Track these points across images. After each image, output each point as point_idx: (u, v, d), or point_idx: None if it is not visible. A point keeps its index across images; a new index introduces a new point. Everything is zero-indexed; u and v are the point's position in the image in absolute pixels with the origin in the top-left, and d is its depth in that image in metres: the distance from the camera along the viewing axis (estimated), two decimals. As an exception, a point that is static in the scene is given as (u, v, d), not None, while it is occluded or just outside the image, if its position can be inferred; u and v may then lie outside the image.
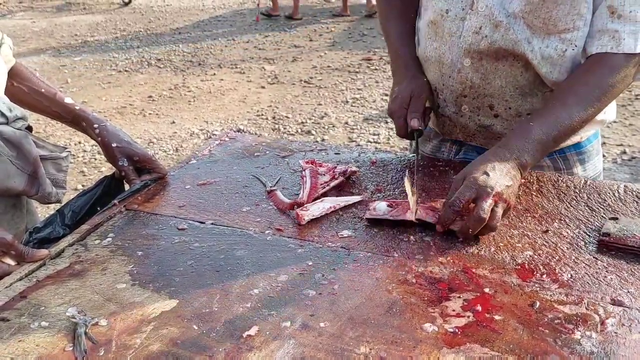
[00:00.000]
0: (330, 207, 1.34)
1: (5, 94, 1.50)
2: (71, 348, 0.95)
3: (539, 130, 1.30)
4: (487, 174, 1.22)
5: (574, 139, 1.52)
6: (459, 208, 1.19)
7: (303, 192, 1.40)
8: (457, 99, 1.53)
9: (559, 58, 1.39)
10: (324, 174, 1.47)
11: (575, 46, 1.38)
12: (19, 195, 1.43)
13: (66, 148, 1.52)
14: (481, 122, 1.54)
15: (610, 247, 1.16)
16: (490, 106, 1.50)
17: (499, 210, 1.20)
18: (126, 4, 10.93)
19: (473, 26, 1.43)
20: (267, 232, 1.28)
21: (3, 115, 1.35)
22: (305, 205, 1.34)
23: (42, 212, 3.55)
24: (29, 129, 1.45)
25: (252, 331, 0.98)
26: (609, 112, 1.55)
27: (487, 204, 1.18)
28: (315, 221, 1.31)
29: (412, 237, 1.24)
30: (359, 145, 4.68)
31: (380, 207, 1.30)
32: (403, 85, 1.54)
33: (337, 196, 1.41)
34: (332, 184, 1.45)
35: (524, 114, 1.48)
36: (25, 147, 1.36)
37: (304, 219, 1.30)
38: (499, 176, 1.22)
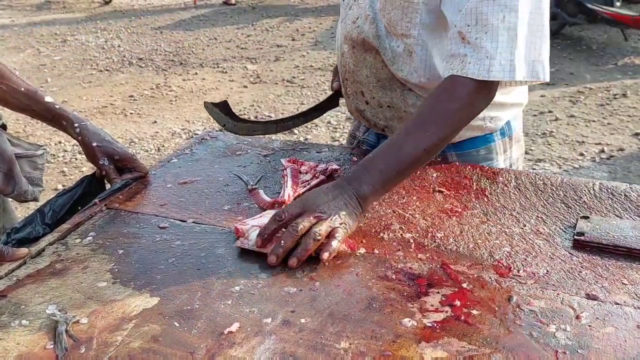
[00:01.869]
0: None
1: (-16, 93, 1.50)
2: (52, 346, 0.96)
3: (380, 163, 1.28)
4: (320, 196, 1.22)
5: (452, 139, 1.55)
6: (280, 219, 1.18)
7: (284, 190, 1.41)
8: (344, 82, 1.67)
9: (407, 57, 1.46)
10: (306, 173, 1.48)
11: (414, 51, 1.44)
12: None
13: (42, 146, 1.52)
14: (358, 106, 1.66)
15: (585, 245, 1.18)
16: (362, 92, 1.61)
17: (323, 227, 1.16)
18: (107, 3, 10.85)
19: (353, 15, 1.54)
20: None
21: None
22: (246, 220, 1.27)
23: (23, 211, 3.52)
24: (4, 127, 1.45)
25: (233, 327, 0.98)
26: (495, 121, 1.56)
27: (306, 220, 1.16)
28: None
29: (392, 234, 1.25)
30: (341, 144, 4.69)
31: (252, 237, 1.21)
32: None
33: None
34: (313, 182, 1.46)
35: (384, 106, 1.58)
36: (0, 146, 1.36)
37: (238, 242, 1.22)
38: (333, 201, 1.21)
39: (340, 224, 1.19)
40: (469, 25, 1.28)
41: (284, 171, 1.48)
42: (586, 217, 1.25)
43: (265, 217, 1.26)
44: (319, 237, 1.15)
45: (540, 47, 1.29)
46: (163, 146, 4.94)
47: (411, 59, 1.45)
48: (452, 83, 1.31)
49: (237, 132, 1.74)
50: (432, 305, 1.03)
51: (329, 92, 1.85)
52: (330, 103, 1.87)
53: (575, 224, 1.24)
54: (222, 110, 1.70)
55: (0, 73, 1.50)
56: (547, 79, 1.32)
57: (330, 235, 1.17)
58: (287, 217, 1.18)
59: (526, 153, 4.42)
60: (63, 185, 4.25)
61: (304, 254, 1.15)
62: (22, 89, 1.50)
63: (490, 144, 1.61)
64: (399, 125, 1.59)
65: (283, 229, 1.19)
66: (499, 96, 1.43)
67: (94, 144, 1.47)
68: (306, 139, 4.84)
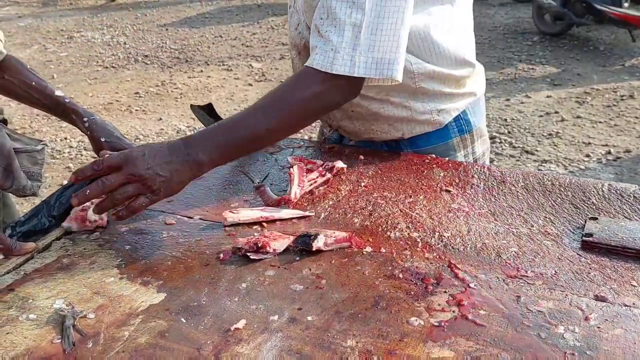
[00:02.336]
0: (261, 217, 1.30)
1: (-6, 86, 1.50)
2: (59, 340, 0.96)
3: (220, 133, 1.28)
4: (143, 156, 1.19)
5: (395, 134, 1.59)
6: (98, 168, 1.17)
7: (291, 188, 1.41)
8: None
9: None
10: (312, 171, 1.48)
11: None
12: None
13: (42, 141, 1.52)
14: None
15: (594, 247, 1.17)
16: None
17: (129, 188, 1.17)
18: (113, 0, 10.87)
19: (294, 22, 1.56)
20: (255, 227, 1.29)
21: None
22: (237, 209, 1.33)
23: (28, 207, 3.53)
24: (4, 122, 1.45)
25: (240, 324, 0.98)
26: (443, 114, 1.57)
27: (116, 178, 1.16)
28: (303, 217, 1.32)
29: (399, 233, 1.25)
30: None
31: (242, 213, 1.30)
32: None
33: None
34: (320, 180, 1.46)
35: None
36: None
37: (227, 221, 1.29)
38: (156, 163, 1.19)
39: (152, 191, 1.19)
40: (322, 19, 1.32)
41: (291, 169, 1.48)
42: (595, 218, 1.24)
43: (261, 212, 1.31)
44: (119, 198, 1.17)
45: (387, 47, 1.29)
46: (168, 143, 4.94)
47: None
48: (303, 72, 1.34)
49: None
50: (439, 305, 1.03)
51: None
52: None
53: (584, 225, 1.23)
54: (207, 112, 1.71)
55: (12, 66, 1.51)
56: (397, 78, 1.31)
57: (135, 199, 1.18)
58: (104, 169, 1.17)
59: (532, 154, 4.41)
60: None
61: (102, 206, 1.19)
62: (33, 82, 1.50)
63: (448, 141, 1.61)
64: (349, 124, 1.62)
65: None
66: (443, 87, 1.50)
67: (103, 139, 1.47)
68: (310, 138, 4.84)
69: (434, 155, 1.58)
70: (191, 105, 1.73)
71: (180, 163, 1.21)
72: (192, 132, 4.99)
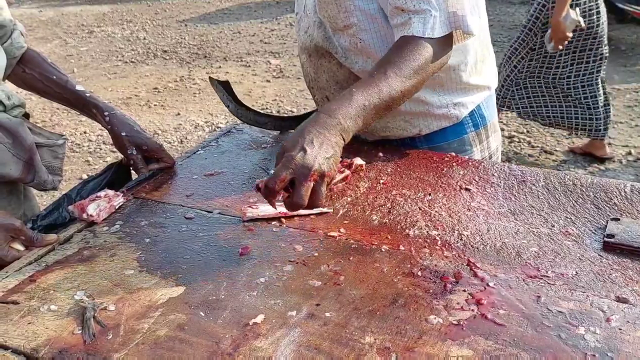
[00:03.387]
0: (280, 213, 1.29)
1: (16, 80, 1.52)
2: (80, 331, 0.97)
3: (360, 97, 1.27)
4: (305, 150, 1.16)
5: (412, 131, 1.59)
6: (276, 188, 1.14)
7: None
8: (310, 90, 1.69)
9: (356, 49, 1.49)
10: None
11: (361, 39, 1.47)
12: (16, 183, 1.44)
13: (62, 135, 1.53)
14: None
15: (615, 248, 1.16)
16: (327, 97, 1.63)
17: (321, 189, 1.16)
18: (133, -5, 10.92)
19: (304, 26, 1.58)
20: (273, 222, 1.29)
21: (1, 103, 1.36)
22: (256, 204, 1.34)
23: (47, 199, 3.56)
24: (26, 116, 1.46)
25: (258, 319, 0.99)
26: (459, 107, 1.58)
27: (304, 189, 1.14)
28: (321, 213, 1.32)
29: (418, 231, 1.25)
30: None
31: (261, 208, 1.31)
32: None
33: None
34: (339, 177, 1.45)
35: None
36: (21, 135, 1.37)
37: (246, 216, 1.30)
38: (318, 150, 1.17)
39: (330, 176, 1.19)
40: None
41: None
42: (616, 219, 1.23)
43: (280, 207, 1.28)
44: (322, 200, 1.17)
45: (462, 4, 1.35)
46: (186, 138, 4.96)
47: (359, 50, 1.49)
48: (408, 40, 1.35)
49: (239, 117, 1.78)
50: (458, 304, 1.02)
51: None
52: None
53: (605, 226, 1.22)
54: (225, 89, 1.75)
55: (33, 61, 1.52)
56: (475, 32, 1.39)
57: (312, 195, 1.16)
58: (278, 186, 1.14)
59: (551, 154, 4.38)
60: (87, 175, 4.29)
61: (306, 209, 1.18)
62: (54, 77, 1.51)
63: (463, 136, 1.62)
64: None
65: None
66: (459, 76, 1.52)
67: (123, 134, 1.48)
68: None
69: (453, 154, 1.57)
70: (210, 78, 1.79)
71: (334, 135, 1.21)
72: (211, 128, 5.00)
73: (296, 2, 1.66)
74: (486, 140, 1.66)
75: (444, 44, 1.38)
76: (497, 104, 4.61)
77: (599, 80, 4.04)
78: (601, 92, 4.06)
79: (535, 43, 4.01)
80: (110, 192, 1.37)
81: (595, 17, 3.85)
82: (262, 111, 1.79)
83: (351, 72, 1.53)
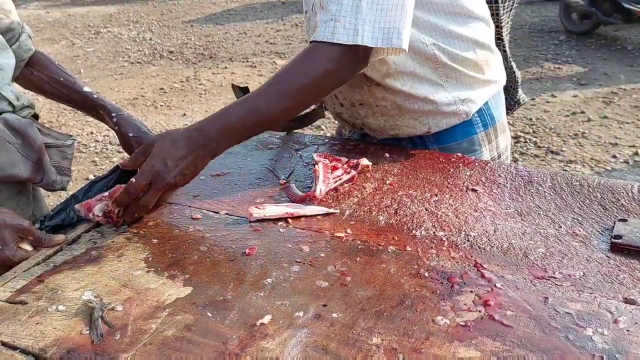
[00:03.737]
0: (286, 214, 1.31)
1: (24, 82, 1.53)
2: (88, 332, 0.97)
3: (235, 119, 1.30)
4: (166, 164, 1.25)
5: (421, 129, 1.58)
6: (134, 195, 1.25)
7: (316, 185, 1.41)
8: None
9: None
10: (337, 168, 1.48)
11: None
12: (25, 183, 1.45)
13: (71, 136, 1.54)
14: (335, 109, 1.68)
15: (623, 249, 1.16)
16: (336, 96, 1.62)
17: (164, 196, 1.32)
18: (139, -4, 10.95)
19: (312, 25, 1.53)
20: (280, 223, 1.29)
21: (10, 104, 1.37)
22: (263, 204, 1.34)
23: (54, 199, 3.58)
24: (35, 117, 1.47)
25: (266, 320, 0.99)
26: (468, 103, 1.56)
27: (154, 195, 1.27)
28: (328, 214, 1.32)
29: (424, 232, 1.25)
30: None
31: (267, 209, 1.32)
32: None
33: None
34: (345, 177, 1.46)
35: (357, 104, 1.60)
36: (30, 135, 1.38)
37: (253, 216, 1.30)
38: (180, 165, 1.26)
39: (179, 186, 1.30)
40: None
41: (316, 166, 1.48)
42: (624, 220, 1.23)
43: (282, 206, 1.32)
44: (153, 204, 1.29)
45: (393, 15, 1.27)
46: (192, 139, 4.97)
47: None
48: (309, 49, 1.33)
49: None
50: (465, 305, 1.02)
51: None
52: (316, 113, 1.82)
53: (613, 227, 1.22)
54: (244, 94, 1.73)
55: (41, 63, 1.53)
56: (404, 47, 1.29)
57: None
58: (135, 193, 1.26)
59: (557, 154, 4.37)
60: (94, 175, 4.30)
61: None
62: (61, 78, 1.52)
63: (472, 136, 1.61)
64: (374, 121, 1.62)
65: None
66: (465, 69, 1.50)
67: (130, 134, 1.48)
68: (333, 135, 4.84)
69: (459, 154, 1.57)
70: (232, 85, 1.79)
71: (197, 156, 1.27)
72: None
73: (304, 1, 1.65)
74: (495, 140, 1.65)
75: (353, 53, 1.30)
76: None
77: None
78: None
79: None
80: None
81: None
82: None
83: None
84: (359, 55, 1.32)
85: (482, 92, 1.59)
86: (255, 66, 6.85)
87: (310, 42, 1.34)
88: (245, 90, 1.75)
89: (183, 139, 1.27)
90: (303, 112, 1.81)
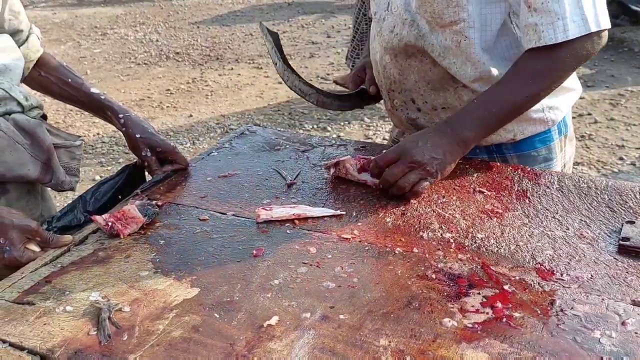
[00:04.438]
0: (293, 215, 1.31)
1: (32, 83, 1.53)
2: (95, 332, 0.97)
3: (482, 108, 1.38)
4: (416, 143, 1.34)
5: (506, 137, 1.54)
6: (381, 164, 1.36)
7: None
8: (388, 94, 1.64)
9: (456, 49, 1.44)
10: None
11: (466, 37, 1.43)
12: (34, 183, 1.45)
13: (80, 137, 1.54)
14: (409, 115, 1.63)
15: (630, 251, 1.15)
16: (413, 100, 1.59)
17: (412, 176, 1.33)
18: (146, -3, 10.97)
19: (389, 25, 1.53)
20: (287, 224, 1.29)
21: (19, 104, 1.37)
22: (270, 206, 1.34)
23: (61, 200, 3.59)
24: (44, 117, 1.47)
25: (273, 321, 0.99)
26: (554, 111, 1.55)
27: (398, 169, 1.33)
28: (335, 215, 1.32)
29: (432, 233, 1.24)
30: (374, 142, 4.67)
31: (276, 211, 1.33)
32: (365, 59, 1.80)
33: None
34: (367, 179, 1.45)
35: (439, 108, 1.56)
36: (39, 136, 1.38)
37: (260, 218, 1.30)
38: (429, 148, 1.34)
39: (431, 174, 1.34)
40: None
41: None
42: (632, 222, 1.22)
43: (289, 207, 1.33)
44: (407, 186, 1.34)
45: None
46: (198, 140, 4.98)
47: (460, 49, 1.44)
48: (536, 51, 1.35)
49: (283, 78, 1.73)
50: (472, 306, 1.02)
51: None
52: (358, 99, 1.82)
53: (621, 229, 1.21)
54: (274, 41, 1.68)
55: (49, 64, 1.53)
56: (609, 25, 1.36)
57: (418, 184, 1.34)
58: (383, 164, 1.36)
59: (564, 156, 4.35)
60: (101, 176, 4.31)
61: (396, 192, 1.36)
62: (69, 79, 1.52)
63: (550, 144, 1.59)
64: None
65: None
66: None
67: (137, 136, 1.48)
68: (339, 136, 4.84)
69: (479, 159, 1.56)
70: (260, 23, 1.75)
71: (450, 143, 1.36)
72: (223, 129, 5.01)
73: (373, 3, 1.62)
74: (564, 148, 1.63)
75: (586, 41, 1.34)
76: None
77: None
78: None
79: None
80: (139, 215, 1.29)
81: None
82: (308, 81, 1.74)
83: (446, 72, 1.49)
84: (592, 40, 1.35)
85: (566, 99, 1.57)
86: (261, 67, 6.85)
87: (534, 48, 1.35)
88: (274, 35, 1.71)
89: (431, 129, 1.39)
90: (346, 93, 1.81)
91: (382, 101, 1.78)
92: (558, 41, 1.31)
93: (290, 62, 1.70)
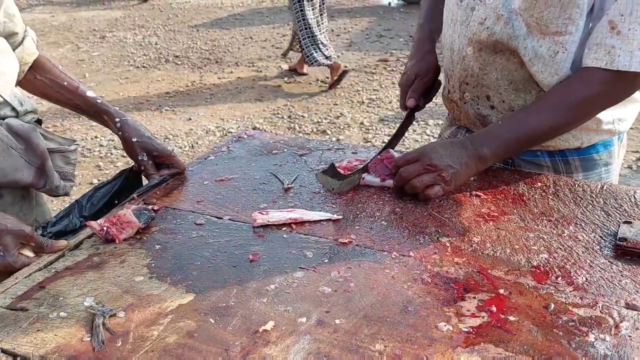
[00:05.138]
0: (290, 219, 1.31)
1: (27, 86, 1.53)
2: (89, 338, 0.97)
3: (504, 129, 1.40)
4: (437, 150, 1.37)
5: (574, 144, 1.52)
6: (398, 164, 1.40)
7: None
8: (460, 86, 1.58)
9: (550, 59, 1.40)
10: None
11: (566, 50, 1.39)
12: (28, 188, 1.45)
13: (75, 141, 1.54)
14: (480, 111, 1.58)
15: (627, 252, 1.15)
16: (488, 97, 1.54)
17: (426, 177, 1.36)
18: (145, 1, 10.99)
19: (479, 16, 1.47)
20: (284, 229, 1.29)
21: (13, 109, 1.37)
22: (266, 210, 1.34)
23: (57, 204, 3.59)
24: (39, 122, 1.47)
25: (268, 326, 0.99)
26: (622, 122, 1.53)
27: (414, 168, 1.37)
28: (332, 220, 1.32)
29: (428, 237, 1.24)
30: (374, 145, 4.68)
31: (272, 214, 1.32)
32: (413, 62, 1.70)
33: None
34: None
35: (516, 109, 1.51)
36: (34, 140, 1.38)
37: (256, 222, 1.30)
38: (448, 156, 1.37)
39: (445, 181, 1.36)
40: (622, 15, 1.29)
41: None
42: (629, 222, 1.22)
43: (285, 212, 1.33)
44: (419, 186, 1.37)
45: None
46: (197, 143, 4.98)
47: (554, 60, 1.40)
48: (598, 72, 1.34)
49: (342, 190, 1.48)
50: (468, 310, 1.02)
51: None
52: (409, 121, 1.70)
53: (616, 232, 1.21)
54: (330, 174, 1.48)
55: (44, 67, 1.53)
56: None
57: (429, 187, 1.36)
58: (402, 163, 1.40)
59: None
60: (98, 180, 4.31)
61: (408, 190, 1.39)
62: (65, 83, 1.52)
63: (610, 149, 1.57)
64: None
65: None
66: None
67: (134, 140, 1.48)
68: (338, 139, 4.84)
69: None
70: (316, 175, 1.53)
71: (468, 157, 1.38)
72: (222, 132, 5.01)
73: None
74: (619, 153, 1.62)
75: (634, 79, 1.35)
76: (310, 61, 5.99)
77: (299, 17, 6.09)
78: (302, 26, 6.10)
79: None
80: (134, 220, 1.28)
81: None
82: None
83: (531, 75, 1.46)
84: (638, 80, 1.36)
85: (632, 109, 1.56)
86: (261, 71, 6.86)
87: (589, 67, 1.35)
88: (331, 168, 1.50)
89: (454, 143, 1.41)
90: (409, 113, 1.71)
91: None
92: (631, 70, 1.30)
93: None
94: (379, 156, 1.51)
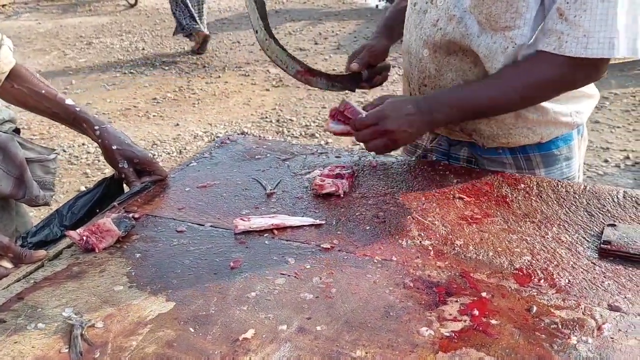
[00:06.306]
0: (272, 225, 1.30)
1: (5, 95, 1.51)
2: (67, 350, 0.96)
3: (460, 98, 1.45)
4: (393, 114, 1.41)
5: (533, 139, 1.54)
6: (358, 128, 1.45)
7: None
8: (420, 88, 1.61)
9: (501, 54, 1.43)
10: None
11: (515, 44, 1.41)
12: (7, 199, 1.43)
13: (54, 150, 1.52)
14: None
15: (611, 254, 1.15)
16: None
17: (379, 142, 1.43)
18: (132, 6, 10.94)
19: (432, 18, 1.51)
20: (266, 235, 1.28)
21: None
22: (248, 216, 1.33)
23: (41, 214, 3.55)
24: (17, 131, 1.45)
25: (249, 334, 0.98)
26: (580, 115, 1.56)
27: (370, 132, 1.42)
28: (314, 225, 1.31)
29: (410, 241, 1.24)
30: (362, 149, 4.67)
31: (254, 221, 1.32)
32: (366, 42, 1.80)
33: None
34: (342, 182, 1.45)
35: None
36: (12, 150, 1.36)
37: (238, 228, 1.29)
38: (404, 121, 1.41)
39: (396, 144, 1.44)
40: (568, 2, 1.31)
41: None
42: (613, 225, 1.22)
43: (267, 217, 1.32)
44: (372, 149, 1.45)
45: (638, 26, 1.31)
46: (185, 149, 4.96)
47: (505, 55, 1.42)
48: (548, 56, 1.36)
49: (265, 50, 1.60)
50: (450, 315, 1.01)
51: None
52: (350, 82, 1.78)
53: (600, 233, 1.21)
54: (258, 6, 1.53)
55: (21, 76, 1.51)
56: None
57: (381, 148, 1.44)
58: (359, 126, 1.45)
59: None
60: (85, 187, 4.28)
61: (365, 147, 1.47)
62: (43, 91, 1.50)
63: (570, 143, 1.59)
64: (487, 128, 1.55)
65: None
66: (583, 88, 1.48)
67: (114, 147, 1.47)
68: (327, 143, 4.83)
69: (446, 162, 1.55)
70: None
71: (422, 122, 1.43)
72: (210, 138, 4.99)
73: None
74: (580, 147, 1.64)
75: (598, 65, 1.36)
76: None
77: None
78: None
79: None
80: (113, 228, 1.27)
81: None
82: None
83: (485, 73, 1.48)
84: (600, 65, 1.37)
85: (589, 104, 1.59)
86: (248, 75, 6.84)
87: (549, 52, 1.35)
88: (260, 3, 1.56)
89: (411, 101, 1.45)
90: (332, 74, 1.78)
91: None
92: (578, 55, 1.31)
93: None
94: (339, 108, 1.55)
